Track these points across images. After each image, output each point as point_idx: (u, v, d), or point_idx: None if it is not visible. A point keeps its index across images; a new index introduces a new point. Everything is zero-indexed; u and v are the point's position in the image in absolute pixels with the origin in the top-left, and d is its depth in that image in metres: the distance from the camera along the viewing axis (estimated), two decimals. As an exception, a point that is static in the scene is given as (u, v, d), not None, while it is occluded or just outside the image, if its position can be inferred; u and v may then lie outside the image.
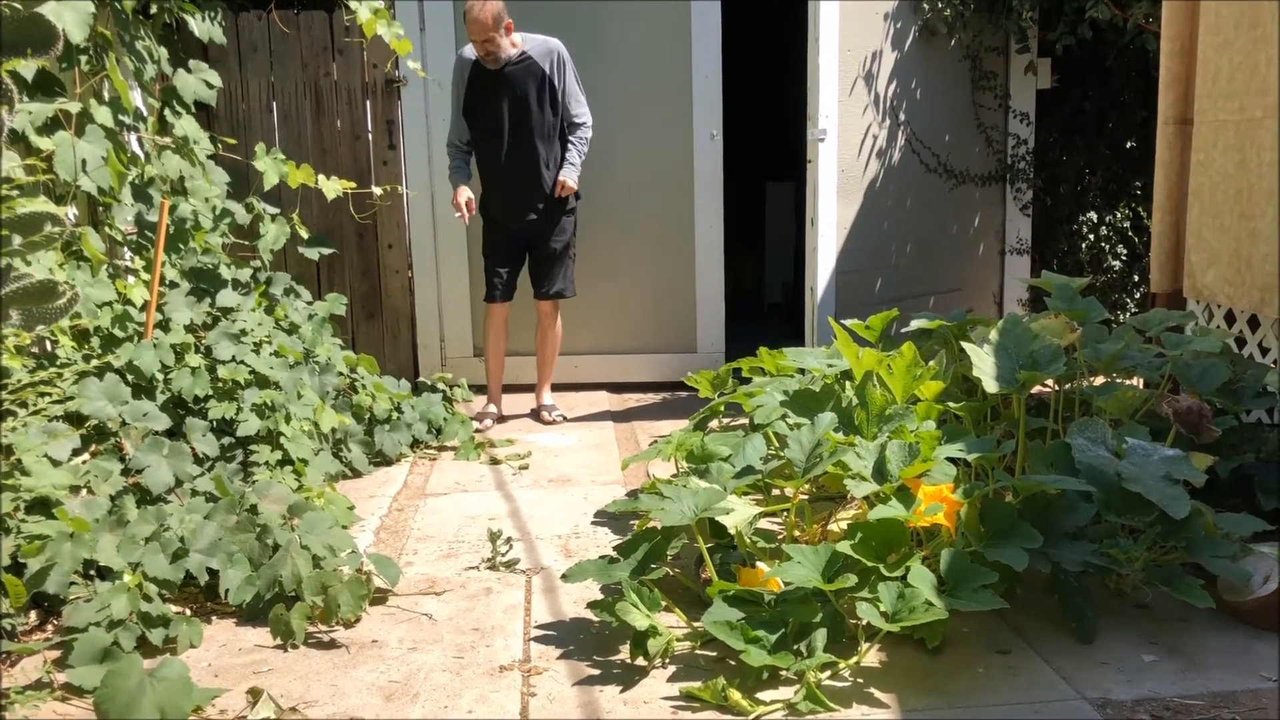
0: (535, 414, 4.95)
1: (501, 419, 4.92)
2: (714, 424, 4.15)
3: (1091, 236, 5.69)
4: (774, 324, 7.36)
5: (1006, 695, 2.35)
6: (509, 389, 5.17)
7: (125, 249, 3.97)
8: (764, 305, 7.83)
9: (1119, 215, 5.71)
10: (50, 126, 3.40)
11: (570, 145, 4.66)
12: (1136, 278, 5.71)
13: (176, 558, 2.82)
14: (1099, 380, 3.62)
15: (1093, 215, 5.70)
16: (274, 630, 2.68)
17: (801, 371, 4.01)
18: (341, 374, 4.18)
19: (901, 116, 5.23)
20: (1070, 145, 5.75)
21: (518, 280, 4.82)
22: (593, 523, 3.54)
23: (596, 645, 2.63)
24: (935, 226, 5.48)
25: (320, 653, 2.63)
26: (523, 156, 4.60)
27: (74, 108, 3.29)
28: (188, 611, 2.84)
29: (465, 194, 4.66)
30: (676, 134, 5.24)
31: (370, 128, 5.20)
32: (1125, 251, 5.71)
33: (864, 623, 2.44)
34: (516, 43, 4.54)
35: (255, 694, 2.34)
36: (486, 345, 4.88)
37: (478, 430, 4.67)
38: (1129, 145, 5.69)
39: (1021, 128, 5.57)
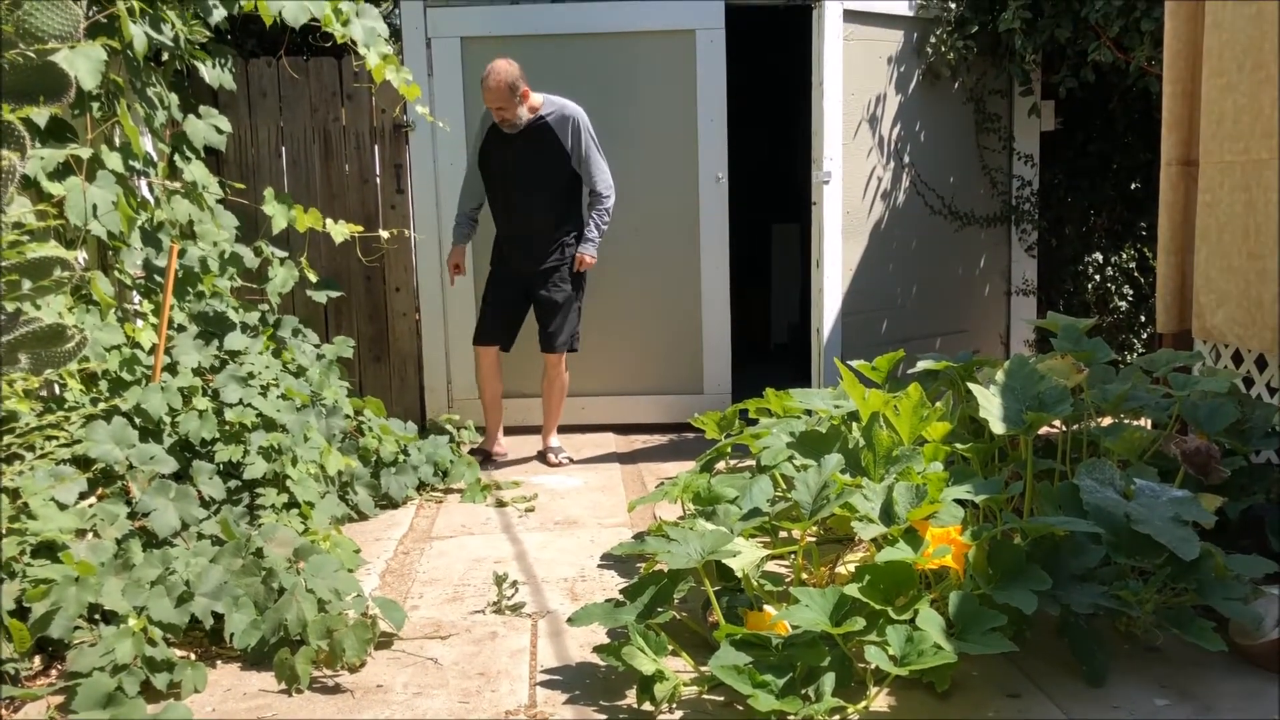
0: (542, 456, 4.94)
1: (499, 458, 4.97)
2: (721, 465, 4.14)
3: (1098, 277, 5.70)
4: (780, 365, 7.36)
5: (1017, 740, 2.32)
6: (515, 430, 5.18)
7: (134, 293, 4.00)
8: (770, 346, 7.84)
9: (1125, 256, 5.72)
10: (61, 172, 3.44)
11: (591, 220, 4.71)
12: (1143, 318, 5.71)
13: (181, 601, 2.81)
14: (1106, 421, 3.62)
15: (1098, 256, 5.71)
16: (279, 675, 2.67)
17: (808, 413, 4.01)
18: (348, 416, 4.18)
19: (906, 159, 5.26)
20: (1075, 187, 5.78)
21: (514, 329, 4.88)
22: (599, 565, 3.52)
23: (603, 690, 2.61)
24: (941, 268, 5.49)
25: (325, 697, 2.62)
26: (532, 215, 4.70)
27: (85, 153, 3.32)
28: (192, 656, 2.83)
29: (457, 256, 4.87)
30: (682, 177, 5.28)
31: (379, 172, 5.25)
32: (1131, 292, 5.71)
33: (872, 666, 2.43)
34: (537, 105, 4.60)
35: (259, 740, 2.32)
36: (479, 390, 4.97)
37: (486, 456, 4.80)
38: (1133, 186, 5.71)
39: (1026, 169, 5.60)
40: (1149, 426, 3.60)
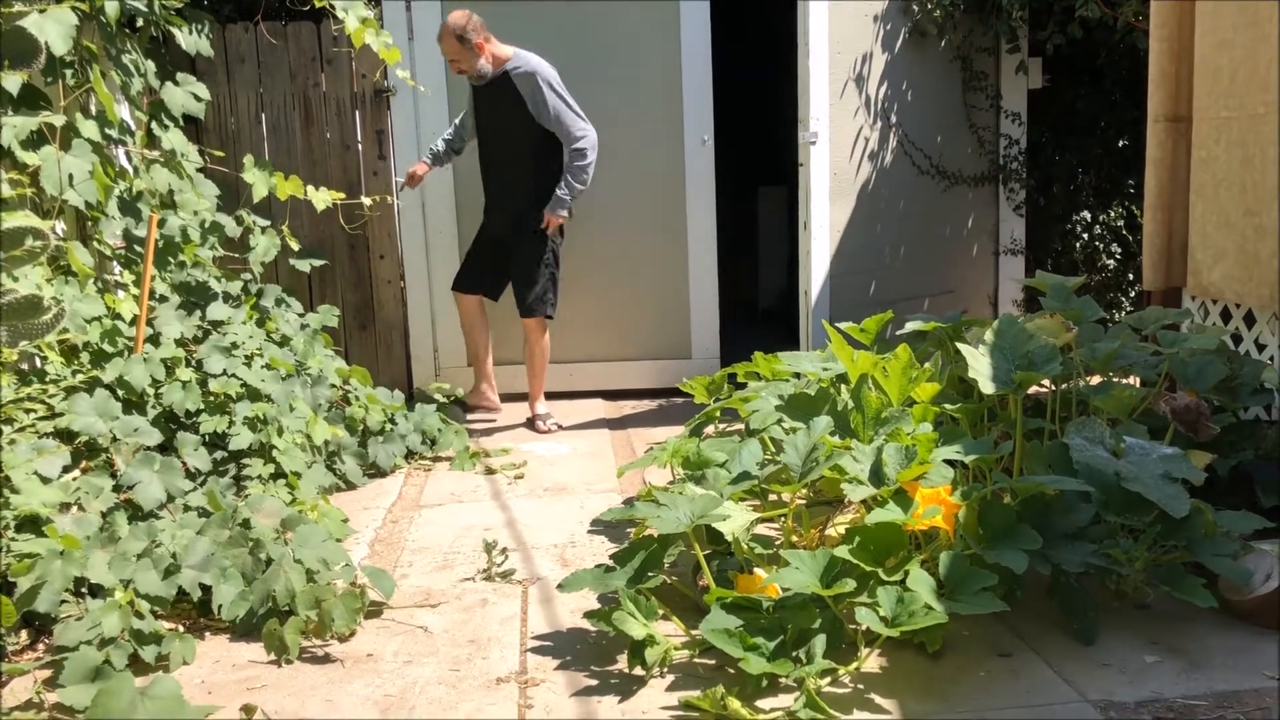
0: (530, 423, 4.92)
1: (490, 410, 5.02)
2: (710, 430, 4.13)
3: (1085, 236, 5.68)
4: (768, 328, 7.34)
5: (1008, 699, 2.32)
6: (503, 398, 5.16)
7: (115, 263, 3.94)
8: (758, 310, 7.81)
9: (1113, 214, 5.70)
10: (36, 141, 3.38)
11: (564, 178, 4.61)
12: (1131, 276, 5.70)
13: (168, 574, 2.79)
14: (1095, 380, 3.61)
15: (1086, 215, 5.69)
16: (268, 646, 2.65)
17: (797, 375, 3.99)
18: (334, 386, 4.15)
19: (893, 118, 5.22)
20: (1063, 145, 5.74)
21: (493, 281, 4.90)
22: (589, 531, 3.51)
23: (594, 655, 2.60)
24: (928, 228, 5.46)
25: (314, 668, 2.60)
26: (501, 172, 4.71)
27: (58, 120, 3.26)
28: (181, 628, 2.81)
29: (419, 169, 4.83)
30: (667, 139, 5.23)
31: (360, 138, 5.18)
32: (1119, 250, 5.70)
33: (863, 628, 2.42)
34: (504, 57, 4.53)
35: (248, 711, 2.31)
36: (465, 337, 4.99)
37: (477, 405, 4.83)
38: (1121, 144, 5.68)
39: (1014, 128, 5.56)
40: (1137, 385, 3.60)
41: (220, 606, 2.79)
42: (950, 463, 2.80)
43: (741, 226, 7.73)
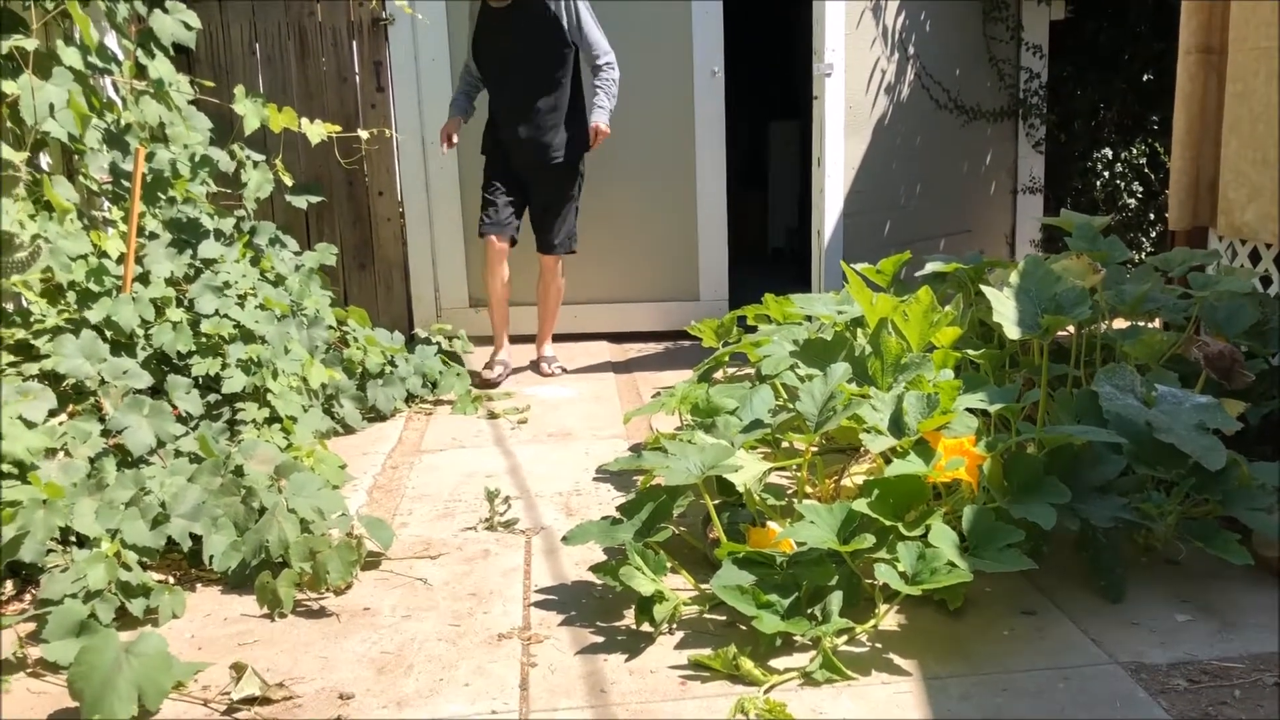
0: (534, 366, 4.80)
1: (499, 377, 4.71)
2: (719, 375, 4.00)
3: (1106, 174, 5.50)
4: (778, 269, 7.19)
5: (1034, 659, 2.22)
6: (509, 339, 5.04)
7: (105, 201, 3.80)
8: (768, 250, 7.64)
9: (1135, 151, 5.51)
10: (15, 71, 3.21)
11: (598, 88, 4.42)
12: (1152, 216, 5.53)
13: (157, 523, 2.68)
14: (1118, 324, 3.47)
15: (1108, 152, 5.50)
16: (260, 599, 2.55)
17: (809, 319, 3.86)
18: (331, 327, 4.02)
19: (911, 50, 5.01)
20: (1084, 79, 5.54)
21: (519, 221, 4.59)
22: (594, 479, 3.40)
23: (599, 610, 2.50)
24: (945, 165, 5.29)
25: (309, 622, 2.51)
26: (531, 100, 4.41)
27: (30, 44, 3.09)
28: (171, 580, 2.72)
29: (451, 127, 4.52)
30: (675, 71, 5.04)
31: (357, 69, 4.99)
32: (1141, 189, 5.52)
33: (881, 584, 2.31)
34: None
35: (239, 669, 2.21)
36: (486, 286, 4.66)
37: (485, 382, 4.52)
38: (1145, 78, 5.48)
39: (1034, 61, 5.36)
40: (1162, 329, 3.46)
41: (211, 558, 2.69)
42: (973, 411, 2.67)
43: (751, 163, 7.54)
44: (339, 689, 2.21)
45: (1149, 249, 5.49)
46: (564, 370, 4.74)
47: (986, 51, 5.31)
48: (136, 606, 2.47)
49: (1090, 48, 5.50)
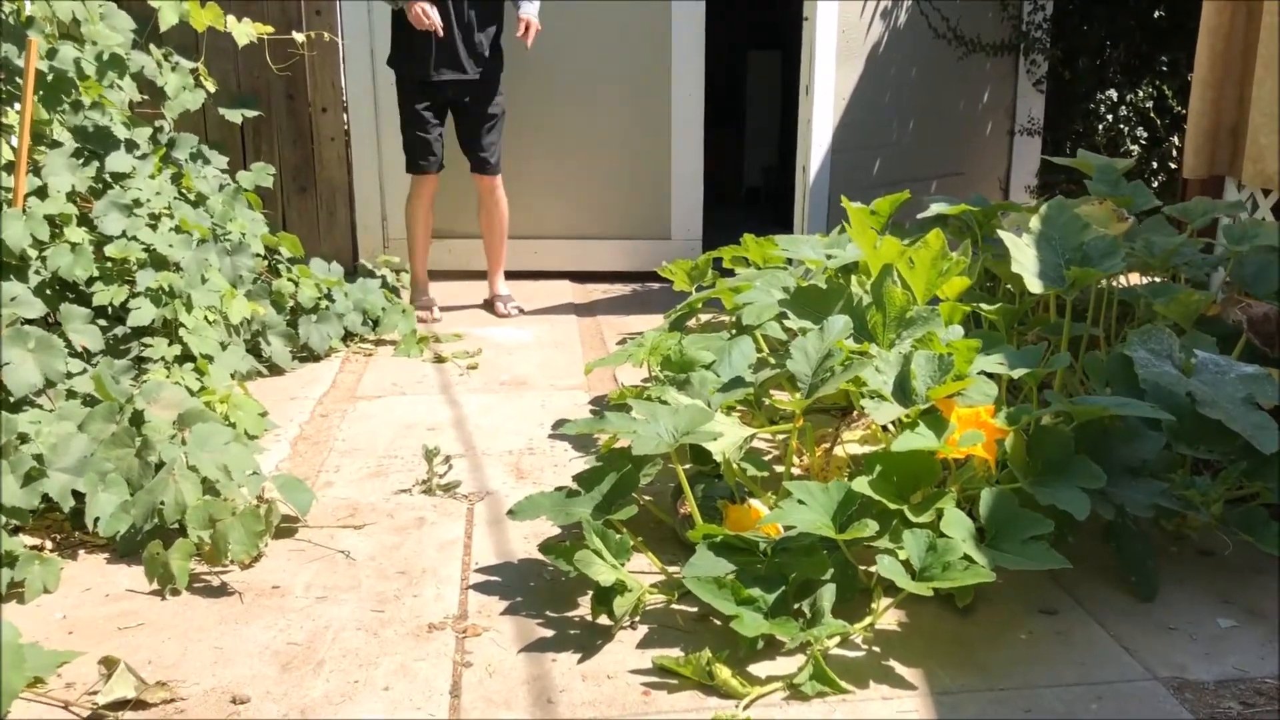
0: (489, 305, 4.39)
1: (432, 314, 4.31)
2: (691, 323, 3.62)
3: (1110, 117, 5.12)
4: (753, 210, 6.79)
5: (1059, 672, 1.89)
6: (457, 275, 4.62)
7: (5, 104, 3.32)
8: (741, 190, 7.22)
9: (1141, 94, 5.13)
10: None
11: None
12: (1155, 164, 5.17)
13: (31, 479, 2.27)
14: (1134, 279, 3.13)
15: (1112, 93, 5.12)
16: (149, 572, 2.16)
17: (790, 263, 3.48)
18: (259, 255, 3.59)
19: (909, -29, 4.59)
20: (1091, 14, 5.13)
21: (443, 153, 4.22)
22: (550, 436, 3.02)
23: (550, 596, 2.14)
24: (941, 101, 4.89)
25: (206, 601, 2.12)
26: (464, 6, 3.96)
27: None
28: (48, 545, 2.32)
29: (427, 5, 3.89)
30: (652, -13, 4.59)
31: (300, -29, 4.49)
32: (1146, 134, 5.15)
33: (878, 575, 1.96)
34: None
35: (110, 664, 1.82)
36: (415, 226, 4.28)
37: (422, 321, 4.11)
38: (1156, 15, 5.08)
39: (1040, -10, 4.95)
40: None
41: (96, 520, 2.29)
42: (989, 376, 2.31)
43: (726, 96, 7.07)
44: (233, 689, 1.83)
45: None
46: (521, 311, 4.33)
47: (990, -24, 4.90)
48: (-2, 579, 2.08)
49: (1099, -21, 5.10)
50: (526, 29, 3.98)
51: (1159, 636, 2.00)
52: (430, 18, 3.85)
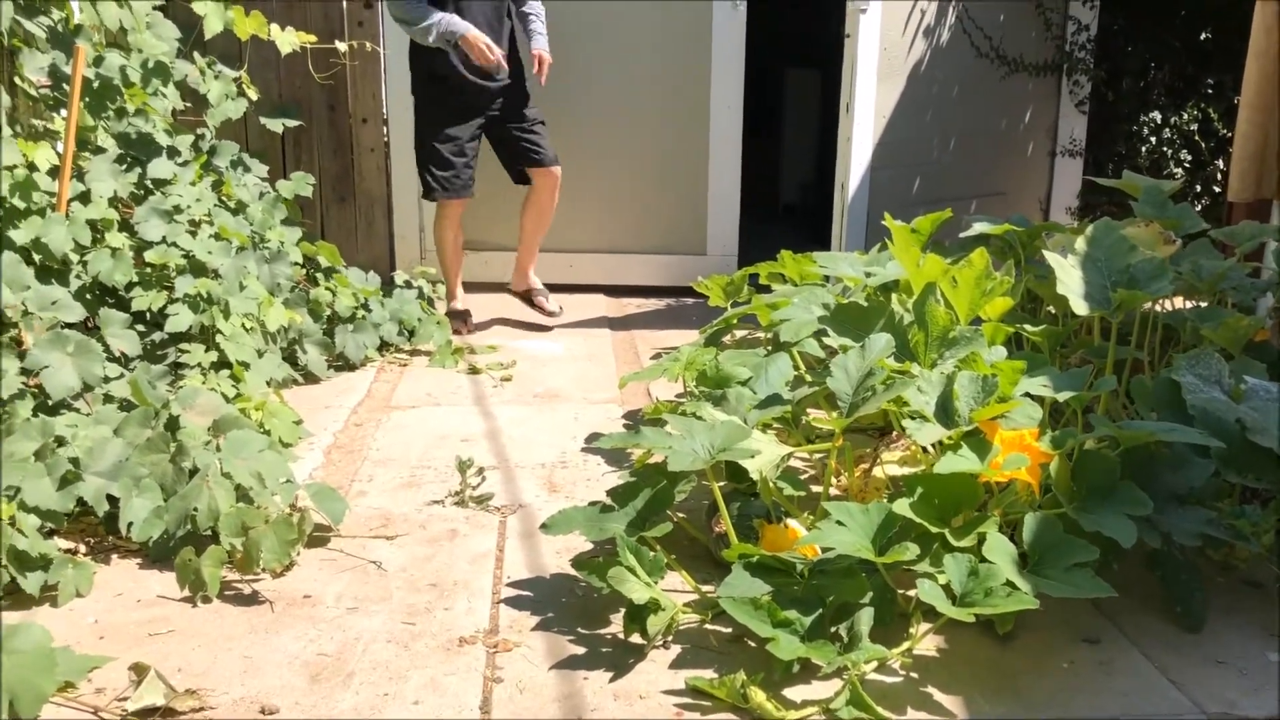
0: (527, 298, 4.35)
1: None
2: (727, 338, 3.59)
3: (1153, 139, 5.06)
4: (789, 226, 6.75)
5: (1102, 703, 1.84)
6: (484, 288, 4.61)
7: (51, 112, 3.35)
8: (779, 207, 7.19)
9: (1185, 116, 5.07)
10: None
11: (530, 15, 4.00)
12: (1199, 188, 5.10)
13: (67, 482, 2.27)
14: (1180, 303, 3.08)
15: (1156, 115, 5.06)
16: (181, 579, 2.16)
17: (827, 280, 3.45)
18: (297, 264, 3.60)
19: (952, -11, 4.56)
20: (1135, 34, 5.08)
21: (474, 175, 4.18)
22: (583, 449, 3.00)
23: (582, 613, 2.11)
24: (982, 121, 4.84)
25: (237, 610, 2.12)
26: (487, 13, 3.95)
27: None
28: (82, 549, 2.32)
29: (476, 32, 3.85)
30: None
31: (343, -18, 4.52)
32: (1189, 158, 5.09)
33: (917, 598, 1.93)
34: None
35: (140, 670, 1.81)
36: (444, 246, 4.25)
37: (457, 334, 4.11)
38: (1203, 36, 5.02)
39: (1084, 11, 4.90)
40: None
41: (130, 525, 2.29)
42: (1033, 398, 2.27)
43: (763, 113, 7.04)
44: (261, 699, 1.82)
45: (1196, 223, 5.06)
46: (561, 309, 4.31)
47: (1033, -3, 4.85)
48: (31, 582, 2.09)
49: None
50: (540, 65, 3.96)
51: (1206, 669, 1.95)
52: (495, 54, 3.84)
